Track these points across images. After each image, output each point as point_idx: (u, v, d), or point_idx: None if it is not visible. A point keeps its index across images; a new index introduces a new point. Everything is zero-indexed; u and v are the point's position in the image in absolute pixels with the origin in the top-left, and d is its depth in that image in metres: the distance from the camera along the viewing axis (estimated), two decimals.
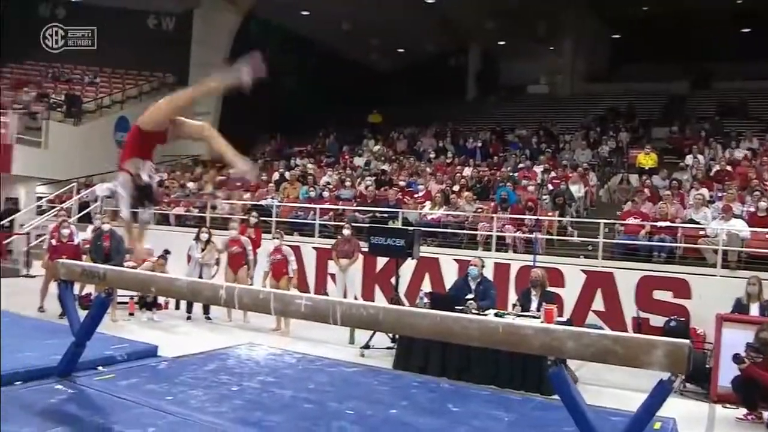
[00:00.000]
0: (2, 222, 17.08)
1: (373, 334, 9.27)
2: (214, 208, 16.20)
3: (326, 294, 11.43)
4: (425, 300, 8.89)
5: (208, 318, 11.32)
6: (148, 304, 11.20)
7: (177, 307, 11.74)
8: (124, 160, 5.36)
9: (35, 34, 25.20)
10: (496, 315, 8.15)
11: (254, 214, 13.60)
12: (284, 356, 8.13)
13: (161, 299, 11.46)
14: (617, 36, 29.30)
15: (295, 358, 8.08)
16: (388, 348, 9.18)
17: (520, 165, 17.52)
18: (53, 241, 11.33)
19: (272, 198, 15.92)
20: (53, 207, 18.10)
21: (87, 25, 24.75)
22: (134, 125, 5.61)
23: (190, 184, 18.60)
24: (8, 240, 16.96)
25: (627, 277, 11.00)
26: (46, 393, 6.05)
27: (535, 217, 12.65)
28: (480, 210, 13.61)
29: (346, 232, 11.71)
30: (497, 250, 12.43)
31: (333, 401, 6.26)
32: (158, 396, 6.13)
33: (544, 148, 19.25)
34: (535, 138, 20.29)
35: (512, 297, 10.93)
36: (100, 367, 7.01)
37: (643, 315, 10.53)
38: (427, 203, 14.33)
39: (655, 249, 11.36)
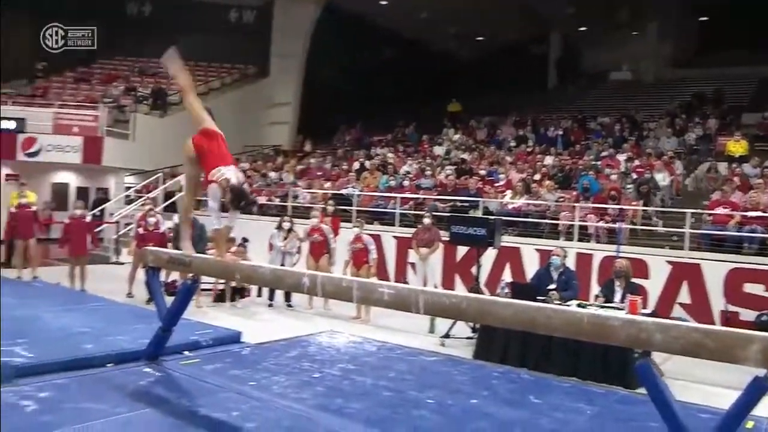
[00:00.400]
0: (93, 211, 17.71)
1: (454, 323, 9.20)
2: (295, 197, 16.41)
3: (406, 283, 11.43)
4: (506, 290, 8.77)
5: (290, 305, 11.48)
6: (239, 290, 11.49)
7: (259, 295, 11.94)
8: (207, 173, 5.51)
9: (123, 32, 26.12)
10: (578, 306, 7.99)
11: (331, 202, 13.70)
12: (364, 344, 8.17)
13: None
14: (704, 18, 28.20)
15: (375, 346, 8.11)
16: (468, 338, 9.10)
17: (603, 153, 17.11)
18: (140, 230, 11.67)
19: (353, 187, 16.02)
20: (140, 196, 18.67)
21: (171, 20, 25.52)
22: (204, 135, 5.82)
23: (272, 174, 18.88)
24: (99, 228, 17.60)
25: (715, 269, 10.60)
26: (135, 375, 6.26)
27: (619, 207, 12.33)
28: (562, 199, 13.36)
29: (427, 221, 11.66)
30: (579, 240, 12.18)
31: (413, 390, 6.25)
32: (241, 381, 6.25)
33: (627, 135, 18.76)
34: (618, 126, 19.77)
35: (595, 288, 10.69)
36: (185, 352, 7.21)
37: (732, 308, 10.13)
38: (508, 192, 14.15)
39: (745, 240, 10.92)
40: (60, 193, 20.76)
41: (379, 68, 27.74)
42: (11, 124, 19.54)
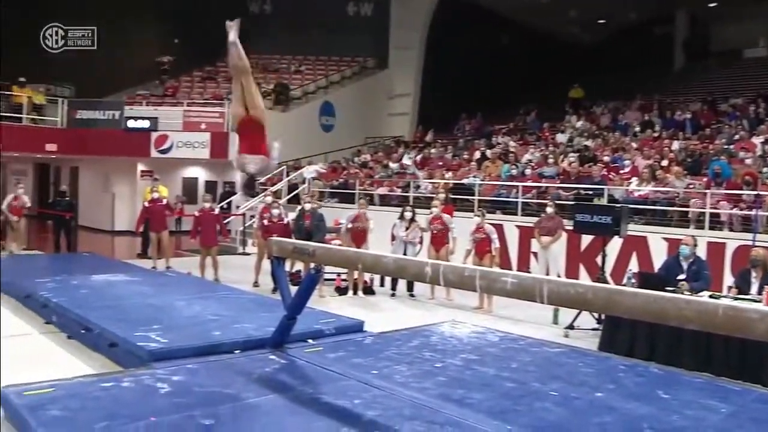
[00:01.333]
0: (221, 204, 18.39)
1: (578, 314, 8.98)
2: (417, 187, 16.45)
3: (529, 273, 11.22)
4: (633, 280, 8.45)
5: (412, 295, 11.52)
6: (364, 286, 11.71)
7: (381, 284, 12.05)
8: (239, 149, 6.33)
9: (246, 29, 26.85)
10: (710, 297, 7.59)
11: (441, 191, 13.70)
12: (487, 335, 8.08)
13: (366, 277, 11.81)
14: None
15: (498, 336, 8.00)
16: (593, 329, 8.85)
17: (736, 136, 16.18)
18: (264, 221, 12.02)
19: (474, 177, 15.88)
20: (265, 189, 19.23)
21: (291, 16, 26.12)
22: (248, 123, 6.30)
23: (393, 165, 18.99)
24: (227, 220, 18.27)
25: None
26: (261, 362, 6.43)
27: (755, 192, 11.62)
28: (691, 186, 12.73)
29: (550, 209, 11.43)
30: (711, 228, 11.59)
31: (536, 381, 6.12)
32: (364, 370, 6.30)
33: (763, 116, 17.65)
34: (753, 106, 18.64)
35: (728, 279, 10.16)
36: (309, 340, 7.34)
37: None
38: (634, 179, 13.61)
39: None
40: (190, 187, 21.75)
41: (499, 56, 27.34)
42: (145, 124, 20.60)
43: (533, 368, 6.61)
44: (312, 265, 6.80)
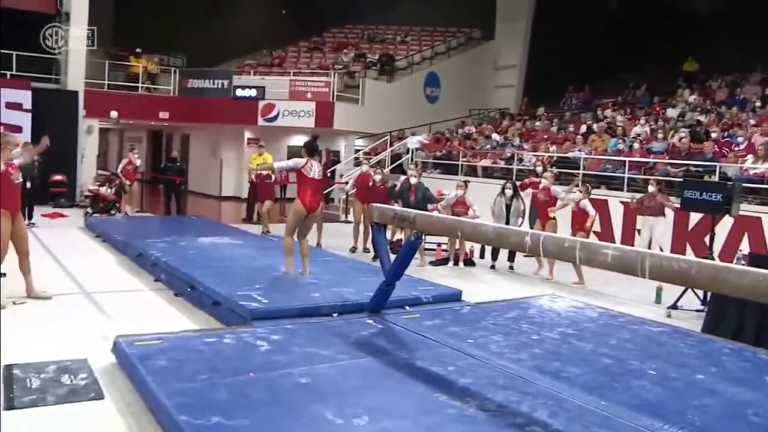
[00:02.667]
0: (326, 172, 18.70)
1: (682, 293, 8.69)
2: (520, 160, 16.23)
3: None
4: (743, 262, 8.11)
5: (512, 269, 11.43)
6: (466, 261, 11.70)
7: (482, 256, 11.98)
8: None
9: (353, 1, 27.09)
10: None
11: (538, 163, 13.54)
12: (586, 310, 7.94)
13: (467, 248, 11.79)
14: None
15: (597, 312, 7.85)
16: (697, 311, 8.56)
17: None
18: (369, 184, 12.21)
19: (579, 150, 15.51)
20: (369, 158, 19.37)
21: None
22: None
23: (496, 136, 18.79)
24: (330, 188, 18.58)
25: None
26: (358, 325, 6.55)
27: None
28: None
29: (651, 188, 11.07)
30: None
31: (634, 359, 5.97)
32: (459, 338, 6.31)
33: None
34: None
35: None
36: (406, 307, 7.41)
37: None
38: (749, 157, 12.98)
39: None
40: (295, 155, 22.18)
41: (609, 27, 26.43)
42: (253, 92, 21.13)
43: (632, 346, 6.46)
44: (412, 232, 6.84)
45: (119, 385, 5.08)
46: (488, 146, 18.26)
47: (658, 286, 9.10)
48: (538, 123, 19.94)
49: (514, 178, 14.27)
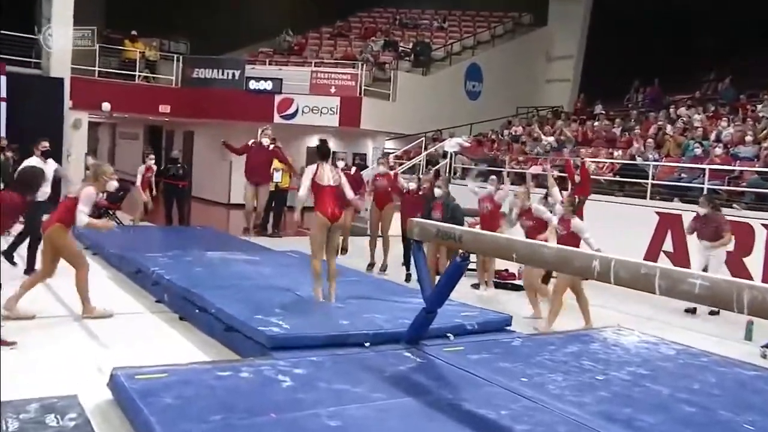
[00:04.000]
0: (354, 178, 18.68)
1: None
2: (576, 167, 16.09)
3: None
4: None
5: None
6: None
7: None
8: None
9: None
10: None
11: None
12: (660, 346, 7.81)
13: (514, 269, 11.68)
14: None
15: (674, 349, 7.72)
16: None
17: None
18: (389, 189, 12.42)
19: (650, 155, 15.27)
20: (401, 163, 19.35)
21: None
22: None
23: (548, 139, 18.67)
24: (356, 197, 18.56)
25: None
26: (394, 358, 6.50)
27: None
28: None
29: (702, 210, 10.59)
30: None
31: (724, 409, 5.82)
32: (511, 376, 6.23)
33: None
34: None
35: None
36: (449, 335, 7.42)
37: None
38: None
39: None
40: (315, 158, 22.24)
41: (682, 12, 26.16)
42: (268, 85, 21.24)
43: (720, 392, 6.31)
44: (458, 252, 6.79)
45: (116, 426, 5.05)
46: (539, 150, 18.16)
47: (748, 320, 8.92)
48: (597, 123, 19.79)
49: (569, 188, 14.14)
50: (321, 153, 8.67)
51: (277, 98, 21.20)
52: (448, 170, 18.48)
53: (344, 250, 12.67)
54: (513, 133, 20.75)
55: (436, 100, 22.86)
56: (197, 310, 7.91)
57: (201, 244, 12.19)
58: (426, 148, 20.31)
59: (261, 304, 7.72)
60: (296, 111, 21.16)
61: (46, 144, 10.38)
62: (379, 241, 12.49)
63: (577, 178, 12.63)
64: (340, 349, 6.69)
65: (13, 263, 9.96)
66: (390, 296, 8.90)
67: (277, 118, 21.24)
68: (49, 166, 10.12)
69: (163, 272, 9.26)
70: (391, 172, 12.77)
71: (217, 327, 7.42)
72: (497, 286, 11.78)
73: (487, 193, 11.42)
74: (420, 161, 19.57)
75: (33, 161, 9.79)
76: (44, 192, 9.37)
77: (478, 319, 7.95)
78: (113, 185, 8.36)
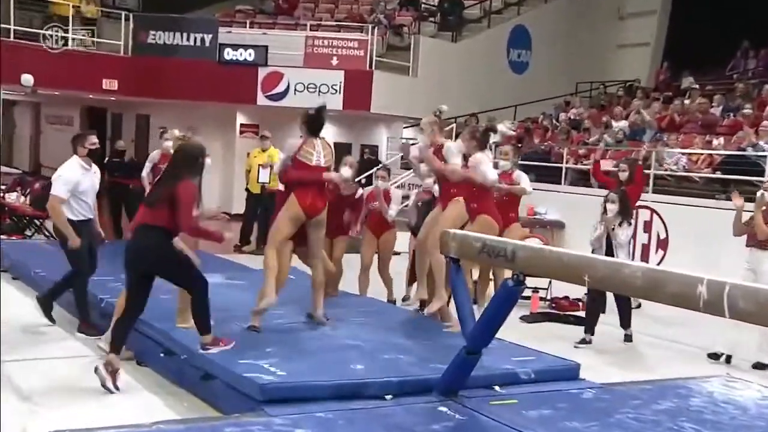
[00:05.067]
0: (360, 178, 18.61)
1: None
2: (658, 161, 16.03)
3: None
4: None
5: (629, 338, 11.09)
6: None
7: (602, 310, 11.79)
8: None
9: None
10: None
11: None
12: None
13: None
14: None
15: None
16: None
17: None
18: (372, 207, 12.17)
19: (765, 145, 15.16)
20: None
21: None
22: None
23: (620, 124, 18.54)
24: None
25: None
26: (425, 415, 6.49)
27: None
28: None
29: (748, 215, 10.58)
30: None
31: None
32: None
33: None
34: None
35: None
36: (496, 387, 7.33)
37: None
38: None
39: None
40: (301, 131, 22.23)
41: None
42: (249, 54, 21.18)
43: None
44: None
45: None
46: (607, 140, 18.09)
47: None
48: (688, 101, 19.66)
49: (650, 185, 14.10)
50: (313, 125, 8.62)
51: (262, 72, 21.19)
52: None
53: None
54: (572, 117, 20.69)
55: (471, 75, 22.87)
56: (162, 353, 7.88)
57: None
58: (456, 138, 20.22)
59: (248, 342, 7.70)
60: (286, 90, 21.15)
61: (95, 140, 9.83)
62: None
63: (623, 175, 12.51)
64: (355, 402, 6.65)
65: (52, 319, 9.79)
66: (419, 332, 8.89)
67: (261, 99, 21.25)
68: (93, 175, 9.75)
69: (114, 302, 9.22)
70: (393, 189, 12.42)
71: (190, 374, 7.39)
72: (552, 318, 11.80)
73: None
74: None
75: (72, 166, 9.49)
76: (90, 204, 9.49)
77: (536, 366, 7.89)
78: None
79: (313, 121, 8.66)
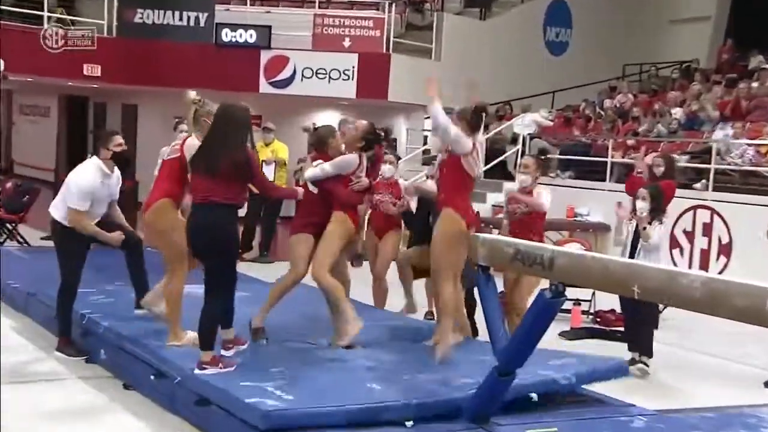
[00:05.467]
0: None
1: None
2: (718, 154, 15.98)
3: None
4: None
5: (641, 364, 11.01)
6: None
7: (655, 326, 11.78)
8: None
9: None
10: None
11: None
12: None
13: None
14: None
15: None
16: None
17: None
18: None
19: None
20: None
21: None
22: None
23: (676, 112, 18.47)
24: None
25: None
26: None
27: None
28: None
29: None
30: None
31: None
32: None
33: None
34: None
35: None
36: (532, 395, 7.43)
37: None
38: None
39: None
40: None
41: None
42: (250, 36, 21.17)
43: None
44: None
45: None
46: (660, 130, 18.05)
47: None
48: (756, 85, 19.53)
49: (710, 180, 14.05)
50: (372, 141, 8.71)
51: (264, 56, 21.20)
52: (520, 162, 18.40)
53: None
54: (618, 105, 20.63)
55: (502, 57, 22.87)
56: (152, 375, 7.89)
57: (154, 274, 12.12)
58: (487, 130, 20.24)
59: (249, 363, 7.74)
60: (292, 75, 21.14)
61: (120, 140, 9.74)
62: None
63: (658, 170, 12.45)
64: (371, 429, 6.66)
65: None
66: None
67: (263, 86, 21.25)
68: (114, 182, 9.75)
69: (98, 317, 9.27)
70: (401, 180, 12.26)
71: (184, 399, 7.41)
72: (596, 335, 11.80)
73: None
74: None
75: (90, 171, 9.39)
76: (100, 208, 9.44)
77: (577, 369, 7.91)
78: None
79: (373, 136, 8.88)
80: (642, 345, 10.20)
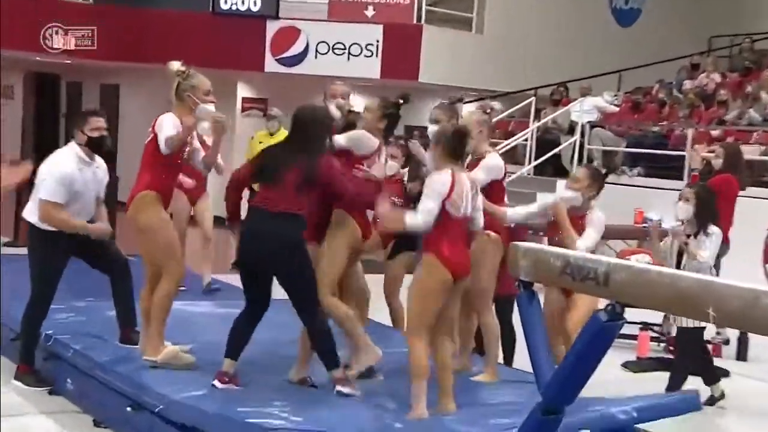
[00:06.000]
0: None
1: None
2: None
3: None
4: None
5: (711, 402, 11.02)
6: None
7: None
8: None
9: None
10: None
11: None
12: None
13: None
14: None
15: None
16: None
17: None
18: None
19: None
20: (497, 143, 19.26)
21: None
22: None
23: None
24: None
25: None
26: None
27: None
28: None
29: None
30: None
31: None
32: None
33: None
34: None
35: None
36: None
37: None
38: None
39: None
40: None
41: None
42: (253, 4, 21.15)
43: None
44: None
45: None
46: (754, 116, 17.95)
47: None
48: None
49: None
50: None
51: (271, 28, 21.24)
52: (577, 156, 18.38)
53: None
54: (701, 87, 20.55)
55: (557, 30, 22.84)
56: (129, 407, 7.91)
57: (135, 288, 12.14)
58: (539, 118, 20.19)
59: (249, 388, 7.86)
60: (304, 51, 21.16)
61: (99, 123, 9.67)
62: None
63: (717, 162, 12.37)
64: None
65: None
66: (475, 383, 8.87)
67: (270, 64, 21.28)
68: (96, 170, 9.74)
69: (66, 339, 9.29)
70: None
71: None
72: (668, 366, 11.57)
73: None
74: (526, 141, 19.46)
75: (65, 158, 9.38)
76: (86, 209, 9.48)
77: (639, 401, 7.86)
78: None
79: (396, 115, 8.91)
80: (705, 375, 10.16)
